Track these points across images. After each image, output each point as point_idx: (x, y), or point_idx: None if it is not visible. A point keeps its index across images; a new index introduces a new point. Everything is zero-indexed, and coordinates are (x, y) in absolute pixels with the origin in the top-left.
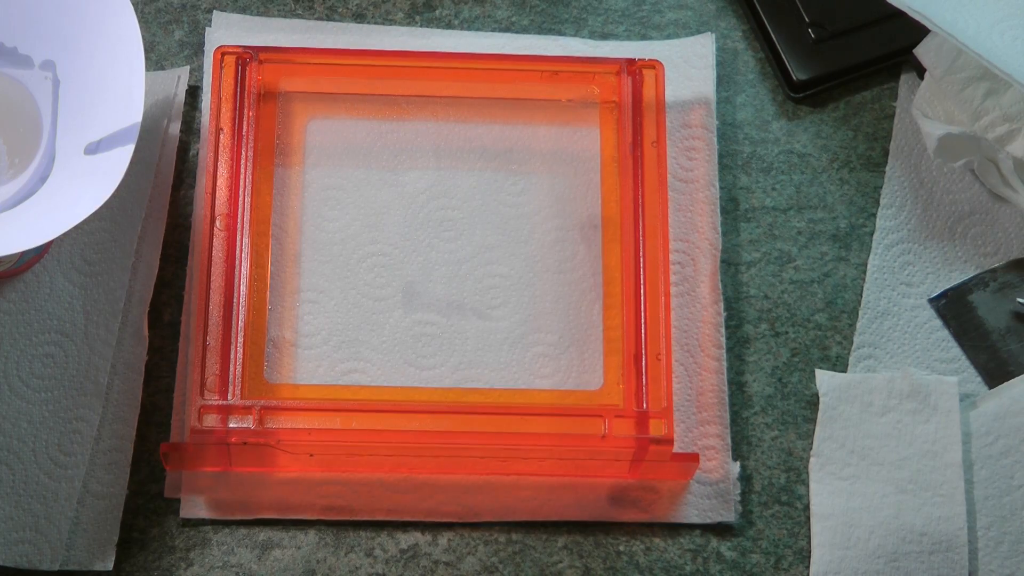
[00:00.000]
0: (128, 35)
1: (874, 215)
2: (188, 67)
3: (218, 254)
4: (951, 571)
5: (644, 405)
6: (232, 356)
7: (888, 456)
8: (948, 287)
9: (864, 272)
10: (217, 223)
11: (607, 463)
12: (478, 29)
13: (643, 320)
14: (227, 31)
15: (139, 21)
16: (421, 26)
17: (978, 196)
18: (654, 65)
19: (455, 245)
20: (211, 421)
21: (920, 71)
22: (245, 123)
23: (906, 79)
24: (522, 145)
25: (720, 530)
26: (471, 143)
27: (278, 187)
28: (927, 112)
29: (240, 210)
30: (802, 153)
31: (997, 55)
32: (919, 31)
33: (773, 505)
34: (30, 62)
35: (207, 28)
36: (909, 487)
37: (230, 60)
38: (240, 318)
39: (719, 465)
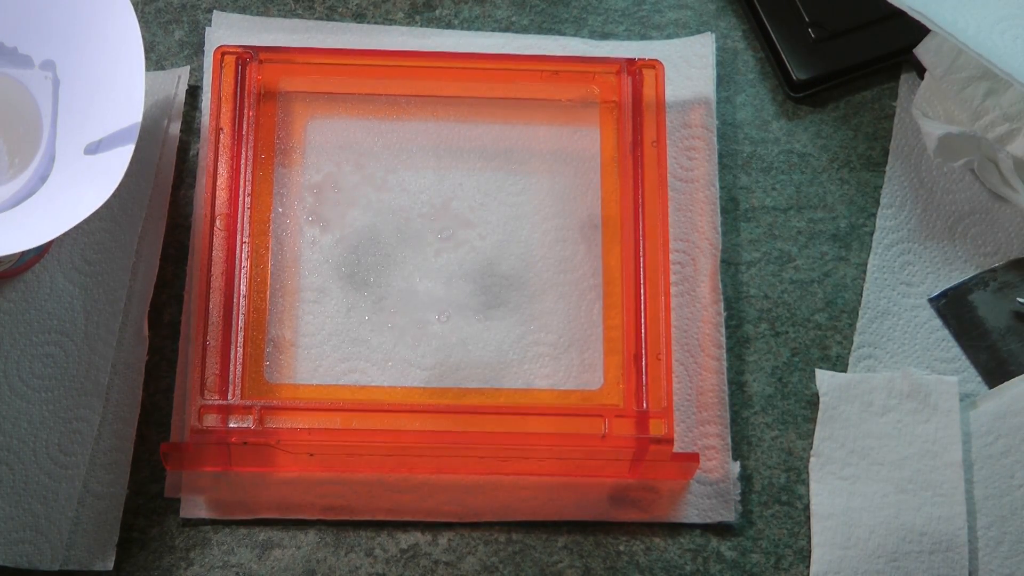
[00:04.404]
0: (128, 35)
1: (874, 215)
2: (188, 67)
3: (218, 254)
4: (951, 571)
5: (644, 405)
6: (232, 356)
7: (888, 456)
8: (948, 287)
9: (864, 272)
10: (217, 223)
11: (607, 463)
12: (478, 29)
13: (643, 320)
14: (227, 31)
15: (139, 21)
16: (421, 26)
17: (978, 196)
18: (654, 65)
19: (455, 245)
20: (211, 421)
21: (920, 71)
22: (245, 123)
23: (906, 79)
24: (522, 145)
25: (720, 530)
26: (471, 143)
27: (278, 187)
28: (927, 112)
29: (240, 210)
30: (802, 153)
31: (997, 55)
32: (919, 31)
33: (773, 505)
34: (30, 62)
35: (207, 28)
36: (909, 487)
37: (230, 60)
38: (240, 318)
39: (719, 465)
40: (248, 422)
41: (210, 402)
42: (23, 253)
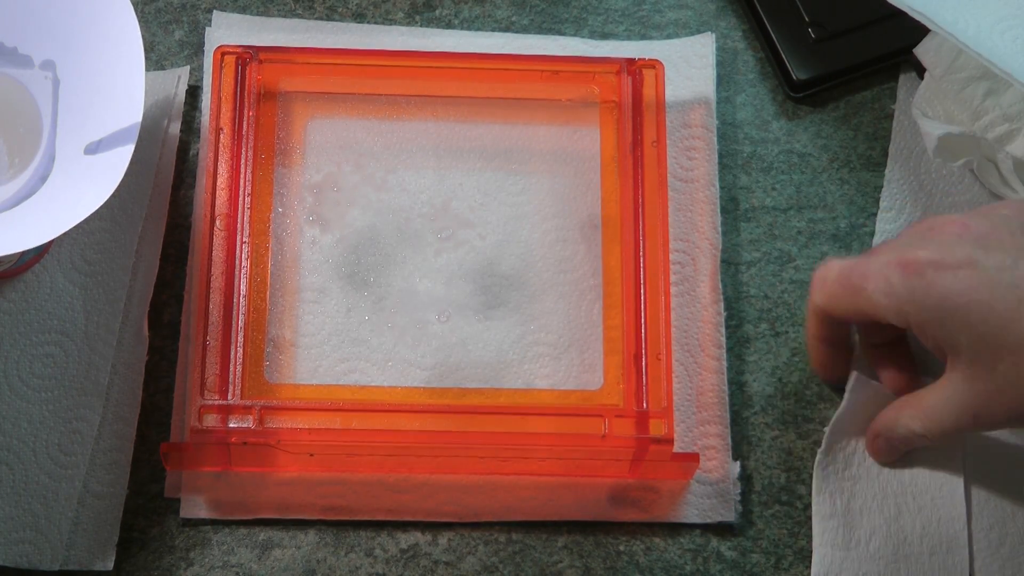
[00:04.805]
0: (128, 35)
1: (874, 215)
2: (188, 67)
3: (218, 254)
4: (952, 573)
5: (644, 405)
6: (232, 356)
7: None
8: None
9: None
10: (217, 223)
11: (607, 463)
12: (478, 29)
13: (643, 320)
14: (227, 31)
15: (139, 21)
16: (421, 26)
17: (978, 196)
18: (654, 65)
19: (455, 245)
20: (211, 421)
21: (920, 71)
22: (245, 123)
23: (906, 79)
24: (522, 145)
25: (720, 530)
26: (471, 143)
27: (278, 187)
28: (927, 112)
29: (240, 210)
30: (802, 153)
31: (997, 55)
32: (919, 31)
33: (773, 505)
34: (30, 62)
35: (207, 28)
36: (910, 488)
37: (230, 60)
38: (240, 318)
39: (719, 465)
40: (248, 422)
41: (210, 402)
42: (23, 253)
